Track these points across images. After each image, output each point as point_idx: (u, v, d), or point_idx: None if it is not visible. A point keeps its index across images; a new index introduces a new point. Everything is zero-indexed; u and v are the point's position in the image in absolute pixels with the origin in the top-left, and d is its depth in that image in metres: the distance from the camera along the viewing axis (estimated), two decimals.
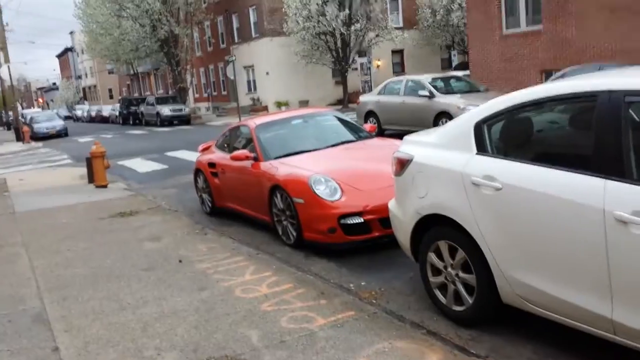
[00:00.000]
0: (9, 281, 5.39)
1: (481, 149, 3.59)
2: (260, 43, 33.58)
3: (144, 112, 37.12)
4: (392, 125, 14.42)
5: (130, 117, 40.64)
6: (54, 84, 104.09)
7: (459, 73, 18.66)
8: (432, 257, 3.96)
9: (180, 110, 34.25)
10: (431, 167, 3.87)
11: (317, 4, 27.86)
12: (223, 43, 39.04)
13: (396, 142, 7.11)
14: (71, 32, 79.58)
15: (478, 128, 3.64)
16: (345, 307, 4.07)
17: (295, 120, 7.48)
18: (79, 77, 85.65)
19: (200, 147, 8.93)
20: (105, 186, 11.47)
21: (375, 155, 6.62)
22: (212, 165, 7.88)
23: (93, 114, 55.60)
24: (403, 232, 4.24)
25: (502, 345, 3.47)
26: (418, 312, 4.06)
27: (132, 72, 53.88)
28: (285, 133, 7.21)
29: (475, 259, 3.57)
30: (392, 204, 4.50)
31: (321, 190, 5.65)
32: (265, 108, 34.22)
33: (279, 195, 6.14)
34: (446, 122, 12.72)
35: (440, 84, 13.94)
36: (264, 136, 7.01)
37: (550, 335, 3.47)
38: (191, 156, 15.85)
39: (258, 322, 3.94)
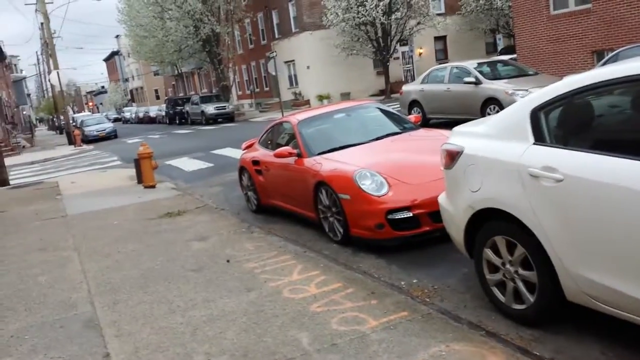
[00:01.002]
0: (60, 286, 5.46)
1: (539, 138, 3.36)
2: (300, 37, 33.55)
3: (189, 112, 37.68)
4: (437, 115, 14.10)
5: (176, 116, 41.32)
6: (103, 87, 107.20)
7: (506, 57, 18.04)
8: (489, 253, 3.76)
9: (224, 107, 34.59)
10: (484, 159, 3.66)
11: None
12: (264, 39, 39.23)
13: (443, 132, 6.90)
14: (117, 36, 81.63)
15: (535, 116, 3.41)
16: (397, 307, 3.91)
17: (337, 114, 7.33)
18: (126, 79, 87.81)
19: (244, 145, 8.90)
20: (153, 186, 11.61)
21: (421, 147, 6.42)
22: (256, 162, 7.83)
23: (141, 115, 56.87)
24: (456, 227, 4.05)
25: (567, 345, 3.25)
26: (474, 311, 3.87)
27: (176, 72, 54.81)
28: (328, 128, 7.07)
29: (536, 255, 3.35)
30: (442, 198, 4.31)
31: (367, 185, 5.49)
32: (307, 102, 34.22)
33: (324, 192, 6.02)
34: (495, 109, 12.39)
35: (486, 69, 13.53)
36: (306, 132, 6.90)
37: (618, 333, 3.23)
38: (236, 153, 15.91)
39: (308, 324, 3.83)
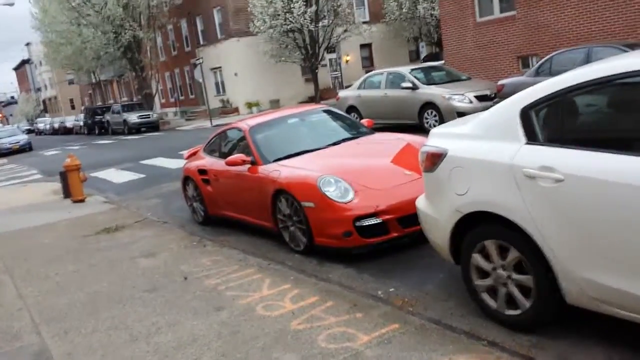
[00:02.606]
0: None
1: (531, 137, 3.26)
2: (226, 44, 32.94)
3: (110, 121, 36.12)
4: (375, 120, 14.10)
5: (95, 126, 39.48)
6: (12, 97, 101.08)
7: (436, 63, 18.43)
8: (477, 258, 3.62)
9: (148, 116, 33.43)
10: (471, 161, 3.53)
11: (282, 1, 27.38)
12: (188, 46, 38.26)
13: (399, 136, 6.80)
14: (27, 44, 77.27)
15: (525, 115, 3.31)
16: (385, 319, 3.70)
17: (291, 119, 7.06)
18: (39, 89, 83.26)
19: (187, 153, 8.45)
20: (82, 200, 10.87)
21: (380, 152, 6.27)
22: (202, 172, 7.42)
23: (56, 125, 54.02)
24: (439, 232, 3.89)
25: (570, 350, 3.15)
26: (464, 318, 3.72)
27: (94, 81, 52.48)
28: (282, 133, 6.79)
29: (532, 258, 3.24)
30: (421, 203, 4.15)
31: (331, 192, 5.26)
32: (236, 110, 33.67)
33: (283, 200, 5.74)
34: (432, 113, 12.55)
35: (420, 74, 13.69)
36: (259, 138, 6.58)
37: (621, 335, 3.17)
38: (169, 163, 15.32)
39: (293, 344, 3.54)
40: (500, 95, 11.15)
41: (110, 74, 45.79)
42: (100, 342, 3.98)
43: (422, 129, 11.93)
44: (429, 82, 13.33)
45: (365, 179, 5.45)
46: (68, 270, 6.05)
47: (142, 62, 34.70)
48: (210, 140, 7.83)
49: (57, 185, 13.84)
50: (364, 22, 32.32)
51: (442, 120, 12.19)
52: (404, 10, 32.10)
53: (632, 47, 9.21)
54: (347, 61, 33.81)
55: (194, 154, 8.24)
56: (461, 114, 11.94)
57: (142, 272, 5.64)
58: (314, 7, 27.81)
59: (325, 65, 32.79)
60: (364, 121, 7.34)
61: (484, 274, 3.64)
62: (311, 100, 31.28)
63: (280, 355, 3.40)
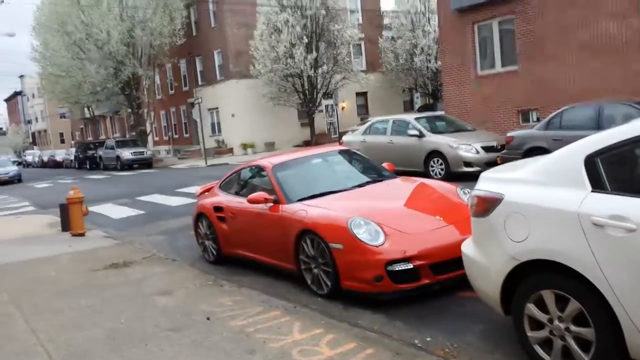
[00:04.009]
0: (11, 349, 4.61)
1: (597, 185, 3.20)
2: (225, 85, 33.24)
3: (102, 156, 35.91)
4: None
5: (86, 161, 39.21)
6: (1, 128, 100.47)
7: (438, 113, 18.65)
8: (532, 308, 3.50)
9: (142, 153, 33.31)
10: (532, 207, 3.45)
11: (284, 46, 27.83)
12: (185, 85, 38.53)
13: (424, 180, 6.75)
14: (21, 76, 77.40)
15: (590, 162, 3.26)
16: None
17: (314, 159, 7.00)
18: (29, 121, 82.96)
19: (200, 190, 8.32)
20: (82, 234, 10.62)
21: (407, 196, 6.21)
22: (218, 209, 7.27)
23: (45, 158, 53.57)
24: (489, 280, 3.77)
25: None
26: None
27: (87, 115, 52.44)
28: (305, 173, 6.71)
29: (596, 310, 3.14)
30: (468, 248, 4.05)
31: (362, 234, 5.15)
32: (231, 150, 33.69)
33: (309, 241, 5.60)
34: (439, 161, 12.59)
35: (425, 123, 13.78)
36: (282, 176, 6.49)
37: None
38: (168, 201, 15.12)
39: None
40: (509, 147, 11.22)
41: (104, 109, 45.84)
42: None
43: (426, 177, 11.93)
44: (434, 131, 13.42)
45: (395, 223, 5.34)
46: (80, 305, 5.81)
47: (139, 99, 34.77)
48: (227, 178, 7.72)
49: (52, 218, 13.60)
50: (362, 71, 32.87)
51: (447, 169, 12.23)
52: (400, 61, 32.79)
53: None
54: (343, 108, 34.20)
55: (208, 190, 8.11)
56: (468, 164, 12.02)
57: (161, 310, 5.42)
58: (314, 54, 28.28)
59: (322, 111, 33.12)
60: (385, 165, 7.29)
61: (538, 325, 3.51)
62: (307, 144, 31.44)
63: None
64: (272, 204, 6.23)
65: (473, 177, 11.24)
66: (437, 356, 3.89)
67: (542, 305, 3.46)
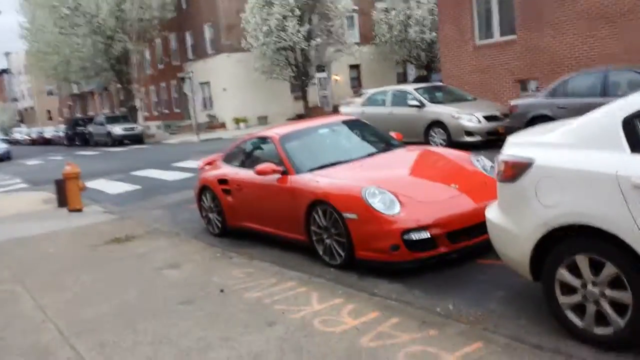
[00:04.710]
0: (20, 326, 4.47)
1: (636, 147, 3.07)
2: (216, 59, 32.71)
3: (92, 132, 35.38)
4: None
5: (76, 137, 38.69)
6: None
7: (438, 83, 18.41)
8: (564, 274, 3.40)
9: (133, 129, 32.87)
10: (566, 171, 3.31)
11: (276, 19, 27.33)
12: (176, 60, 37.90)
13: (434, 149, 6.62)
14: (7, 54, 75.94)
15: (629, 124, 3.12)
16: (465, 338, 3.44)
17: (321, 129, 6.82)
18: (15, 99, 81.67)
19: (202, 163, 8.13)
20: (80, 210, 10.43)
21: (419, 164, 6.08)
22: (223, 181, 7.11)
23: (34, 136, 52.84)
24: (517, 247, 3.65)
25: None
26: (546, 337, 3.47)
27: (75, 92, 51.63)
28: (313, 143, 6.53)
29: (634, 273, 3.04)
30: (494, 215, 3.92)
31: (377, 204, 5.01)
32: (223, 125, 33.33)
33: (320, 212, 5.46)
34: (440, 132, 12.43)
35: (425, 94, 13.58)
36: (290, 147, 6.31)
37: None
38: (164, 175, 14.91)
39: None
40: (512, 115, 11.09)
41: (93, 85, 45.08)
42: (146, 357, 3.64)
43: None
44: (434, 101, 13.23)
45: (410, 192, 5.22)
46: (86, 280, 5.67)
47: (129, 75, 34.20)
48: (231, 150, 7.54)
49: (46, 195, 13.37)
50: (355, 44, 32.41)
51: (449, 139, 12.09)
52: (394, 33, 32.33)
53: None
54: (336, 81, 33.84)
55: (210, 163, 7.93)
56: (469, 133, 11.89)
57: (170, 283, 5.29)
58: (307, 26, 27.82)
59: (315, 84, 32.74)
60: (393, 134, 7.13)
61: (570, 291, 3.42)
62: (300, 117, 31.13)
63: None
64: (280, 175, 6.08)
65: (474, 147, 11.13)
66: (464, 324, 3.79)
67: (574, 270, 3.35)
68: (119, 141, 32.26)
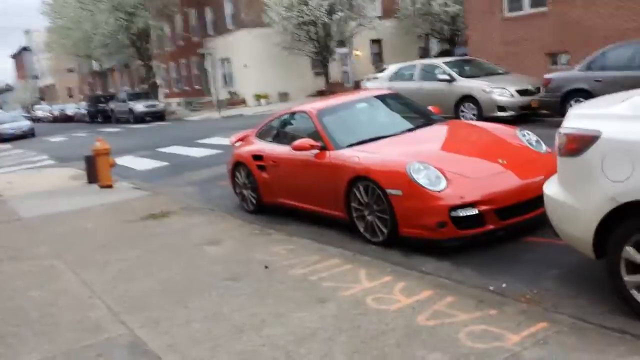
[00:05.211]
0: (67, 302, 4.48)
1: None
2: (237, 35, 32.44)
3: (114, 109, 35.55)
4: None
5: (98, 114, 38.92)
6: (8, 84, 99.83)
7: (466, 57, 18.06)
8: (631, 251, 3.28)
9: (155, 106, 32.96)
10: (638, 144, 3.17)
11: None
12: (196, 36, 37.71)
13: (477, 123, 6.46)
14: (27, 31, 76.29)
15: None
16: (527, 317, 3.35)
17: (359, 103, 6.69)
18: (35, 77, 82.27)
19: (234, 138, 8.05)
20: (110, 186, 10.44)
21: (464, 139, 5.96)
22: (258, 157, 7.03)
23: (56, 113, 53.26)
24: (580, 223, 3.53)
25: None
26: (610, 317, 3.36)
27: (95, 69, 51.80)
28: (352, 118, 6.42)
29: None
30: (553, 190, 3.79)
31: (422, 179, 4.90)
32: (243, 101, 33.22)
33: (362, 188, 5.37)
34: (470, 106, 12.19)
35: (455, 67, 13.31)
36: (328, 122, 6.20)
37: None
38: (191, 152, 14.92)
39: (431, 341, 3.19)
40: (547, 89, 10.82)
41: (113, 62, 45.14)
42: (203, 334, 3.61)
43: None
44: (465, 75, 12.98)
45: (455, 167, 5.10)
46: (128, 256, 5.66)
47: (149, 51, 34.14)
48: (264, 125, 7.45)
49: (74, 171, 13.44)
50: (377, 17, 31.88)
51: (480, 114, 11.86)
52: (417, 6, 31.69)
53: None
54: (357, 56, 33.42)
55: (243, 139, 7.86)
56: (502, 108, 11.65)
57: (213, 259, 5.26)
58: (329, 0, 27.39)
59: (335, 60, 32.36)
60: (431, 108, 6.98)
61: (636, 269, 3.30)
62: (321, 94, 30.88)
63: (425, 354, 3.05)
64: (318, 151, 5.99)
65: (507, 122, 10.91)
66: (523, 303, 3.69)
67: None
68: (141, 118, 32.34)
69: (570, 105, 10.27)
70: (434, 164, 5.05)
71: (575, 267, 4.25)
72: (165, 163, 13.60)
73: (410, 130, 6.13)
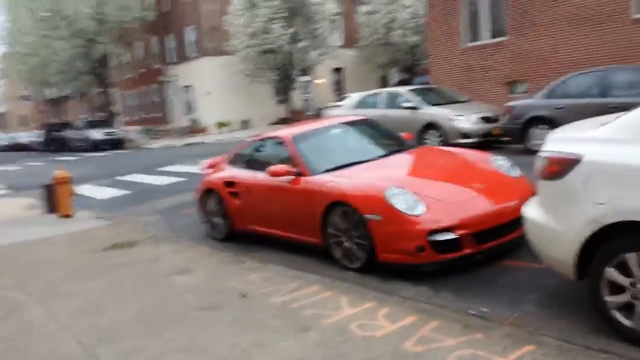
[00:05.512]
0: (35, 336, 4.24)
1: None
2: (199, 63, 32.36)
3: (70, 137, 34.69)
4: None
5: (51, 143, 37.86)
6: None
7: (429, 85, 18.41)
8: (613, 272, 3.32)
9: (113, 133, 32.35)
10: (620, 167, 3.22)
11: (262, 21, 27.16)
12: (157, 63, 37.43)
13: (448, 149, 6.54)
14: None
15: None
16: (513, 341, 3.33)
17: (333, 129, 6.69)
18: None
19: (206, 165, 7.93)
20: (70, 216, 10.11)
21: (437, 164, 5.99)
22: (230, 184, 6.92)
23: (8, 142, 51.57)
24: (563, 245, 3.55)
25: None
26: (591, 338, 3.37)
27: (49, 97, 50.60)
28: (327, 144, 6.39)
29: None
30: (535, 213, 3.82)
31: (401, 204, 4.89)
32: (205, 129, 32.97)
33: (339, 213, 5.32)
34: (435, 134, 12.37)
35: (418, 95, 13.53)
36: (304, 148, 6.16)
37: None
38: (152, 180, 14.62)
39: None
40: (509, 117, 11.09)
41: (70, 90, 44.22)
42: None
43: None
44: (428, 102, 13.17)
45: (432, 192, 5.11)
46: (94, 287, 5.43)
47: (108, 79, 33.66)
48: (237, 152, 7.36)
49: (31, 201, 12.97)
50: (338, 47, 32.40)
51: (444, 141, 12.03)
52: (377, 36, 32.35)
53: None
54: (319, 84, 33.75)
55: (212, 166, 7.74)
56: (465, 135, 11.86)
57: (185, 289, 5.10)
58: (292, 29, 27.68)
59: (298, 88, 32.60)
60: (403, 134, 7.03)
61: (617, 290, 3.33)
62: (283, 122, 30.96)
63: None
64: (293, 177, 5.93)
65: (471, 149, 11.07)
66: (508, 326, 3.68)
67: (623, 269, 3.27)
68: (98, 146, 31.67)
69: (532, 132, 10.57)
70: (411, 189, 5.05)
71: (553, 290, 4.29)
72: (126, 191, 13.27)
73: (384, 155, 6.14)
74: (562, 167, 3.51)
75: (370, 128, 6.95)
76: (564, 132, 3.91)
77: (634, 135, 3.26)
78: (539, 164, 3.71)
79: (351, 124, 6.95)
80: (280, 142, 6.45)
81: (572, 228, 3.47)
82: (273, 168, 6.00)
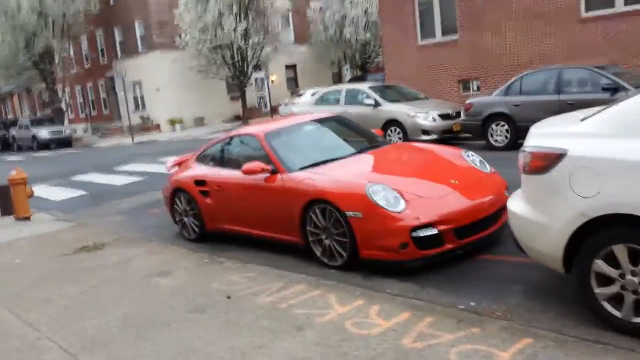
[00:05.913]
0: (13, 345, 4.07)
1: None
2: (148, 57, 31.61)
3: (16, 136, 33.36)
4: None
5: None
6: None
7: (388, 83, 18.60)
8: (601, 264, 3.46)
9: (61, 132, 31.28)
10: (605, 161, 3.37)
11: (212, 15, 26.76)
12: (103, 58, 36.34)
13: (422, 145, 6.63)
14: None
15: None
16: (511, 334, 3.43)
17: (306, 126, 6.68)
18: None
19: (171, 163, 7.79)
20: (28, 218, 9.73)
21: (413, 161, 6.07)
22: (200, 182, 6.82)
23: None
24: (549, 239, 3.68)
25: None
26: (582, 329, 3.52)
27: None
28: (300, 141, 6.38)
29: None
30: (520, 208, 3.94)
31: (382, 201, 4.95)
32: (157, 127, 32.31)
33: (319, 211, 5.33)
34: (396, 130, 12.55)
35: (378, 92, 13.68)
36: (278, 145, 6.13)
37: None
38: (110, 180, 14.23)
39: None
40: (468, 113, 11.35)
41: (12, 86, 42.44)
42: None
43: None
44: (388, 99, 13.34)
45: (411, 188, 5.19)
46: (69, 292, 5.26)
47: (53, 74, 32.46)
48: (206, 149, 7.25)
49: None
50: (291, 43, 32.32)
51: (405, 138, 12.24)
52: (329, 33, 32.45)
53: (602, 68, 9.71)
54: (273, 81, 33.59)
55: (179, 164, 7.62)
56: (426, 132, 12.08)
57: (169, 292, 5.00)
58: (244, 24, 27.41)
59: (252, 85, 32.35)
60: (375, 131, 7.10)
61: (607, 281, 3.48)
62: (238, 119, 30.67)
63: None
64: (268, 174, 5.89)
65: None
66: (503, 320, 3.77)
67: (612, 261, 3.42)
68: (45, 145, 30.58)
69: (491, 129, 10.87)
70: (390, 185, 5.11)
71: (535, 282, 4.43)
72: (83, 192, 12.87)
73: (359, 152, 6.19)
74: (546, 161, 3.63)
75: (341, 125, 6.98)
76: (545, 127, 4.04)
77: (617, 130, 3.40)
78: (523, 159, 3.82)
79: (322, 120, 6.95)
80: (252, 139, 6.40)
81: (558, 222, 3.59)
82: (247, 166, 5.94)
